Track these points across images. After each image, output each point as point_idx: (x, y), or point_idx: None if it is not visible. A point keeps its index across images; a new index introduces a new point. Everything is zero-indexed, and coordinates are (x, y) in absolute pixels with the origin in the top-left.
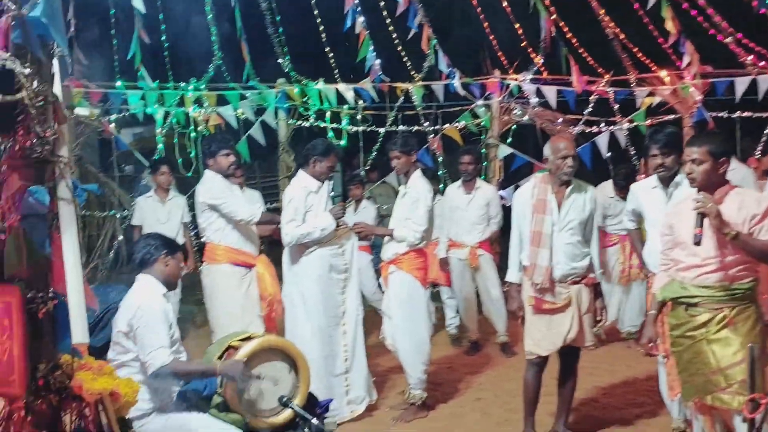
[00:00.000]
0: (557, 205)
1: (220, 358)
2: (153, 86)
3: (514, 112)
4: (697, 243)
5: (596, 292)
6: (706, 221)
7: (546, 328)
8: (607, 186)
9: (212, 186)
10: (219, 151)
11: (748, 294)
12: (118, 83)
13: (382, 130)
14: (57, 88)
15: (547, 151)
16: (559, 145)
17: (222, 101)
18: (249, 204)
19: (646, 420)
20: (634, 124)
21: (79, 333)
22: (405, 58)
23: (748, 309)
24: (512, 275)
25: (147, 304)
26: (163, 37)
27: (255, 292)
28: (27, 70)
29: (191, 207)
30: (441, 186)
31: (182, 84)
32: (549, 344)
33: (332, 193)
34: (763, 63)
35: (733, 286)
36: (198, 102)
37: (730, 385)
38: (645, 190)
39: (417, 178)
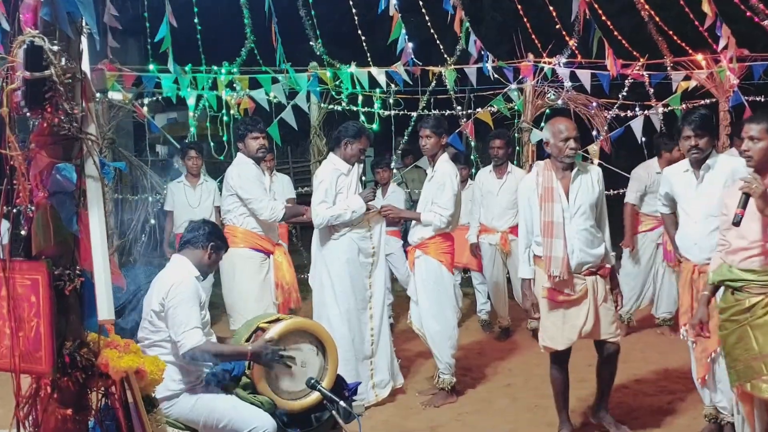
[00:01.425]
0: (564, 191)
1: (248, 340)
2: (185, 70)
3: (548, 96)
4: (736, 223)
5: (613, 280)
6: (751, 202)
7: (561, 321)
8: (653, 163)
9: (244, 174)
10: (248, 133)
11: None
12: (151, 67)
13: (414, 114)
14: (85, 66)
15: (546, 134)
16: (560, 127)
17: (254, 85)
18: (279, 189)
19: (678, 406)
20: (670, 108)
21: (105, 310)
22: (437, 42)
23: None
24: (524, 270)
25: (180, 283)
26: (196, 20)
27: (271, 278)
28: (55, 47)
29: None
30: (473, 171)
31: (215, 67)
32: (564, 339)
33: (363, 177)
34: None
35: None
36: (230, 85)
37: None
38: (677, 173)
39: (444, 161)
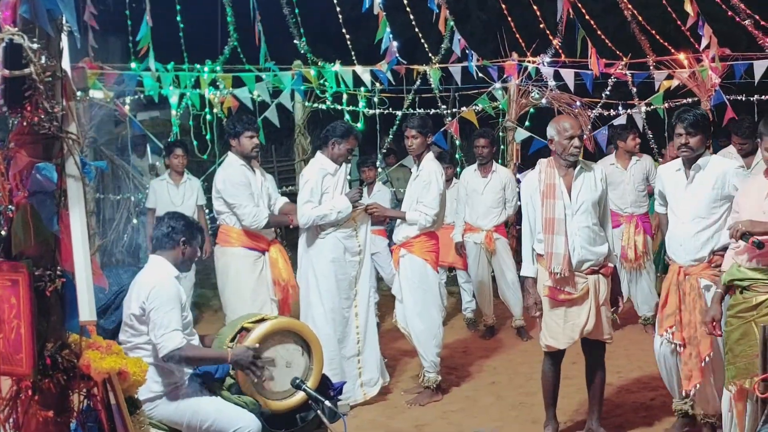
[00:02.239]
0: (567, 188)
1: (232, 340)
2: (167, 68)
3: (532, 95)
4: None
5: (614, 279)
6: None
7: (563, 320)
8: (611, 156)
9: (230, 179)
10: (244, 132)
11: None
12: (133, 65)
13: (399, 112)
14: (66, 64)
15: (551, 131)
16: (565, 125)
17: (238, 83)
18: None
19: (661, 403)
20: (652, 107)
21: (87, 311)
22: (422, 40)
23: None
24: (526, 269)
25: (160, 286)
26: (179, 18)
27: (268, 276)
28: (35, 45)
29: (207, 189)
30: (458, 169)
31: (198, 66)
32: (566, 338)
33: (349, 177)
34: None
35: None
36: (213, 84)
37: None
38: (669, 172)
39: (429, 160)
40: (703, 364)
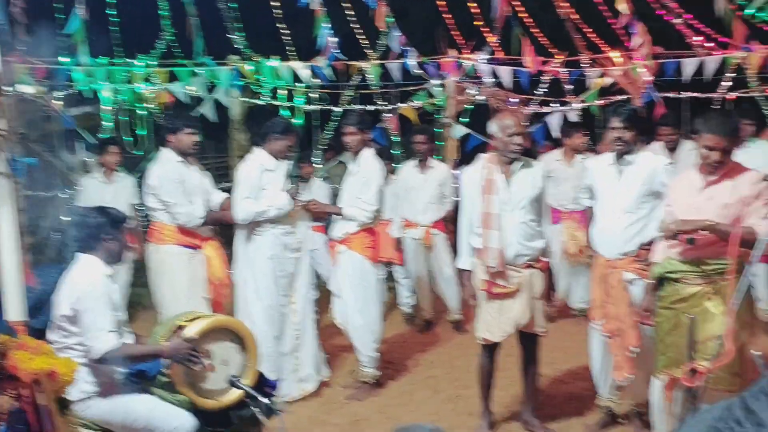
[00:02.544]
0: (506, 184)
1: (167, 338)
2: (100, 63)
3: (469, 91)
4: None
5: (549, 276)
6: (686, 196)
7: (498, 313)
8: (557, 152)
9: (164, 176)
10: (183, 128)
11: (732, 269)
12: (64, 59)
13: (337, 109)
14: None
15: (494, 128)
16: (507, 122)
17: (172, 78)
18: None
19: (591, 394)
20: (586, 104)
21: (14, 311)
22: (361, 37)
23: (730, 286)
24: (463, 262)
25: (90, 287)
26: (112, 12)
27: (202, 274)
28: None
29: (141, 187)
30: (396, 165)
31: (131, 60)
32: (501, 330)
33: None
34: (710, 44)
35: (713, 263)
36: (147, 79)
37: (704, 359)
38: (600, 166)
39: (368, 156)
40: (630, 356)
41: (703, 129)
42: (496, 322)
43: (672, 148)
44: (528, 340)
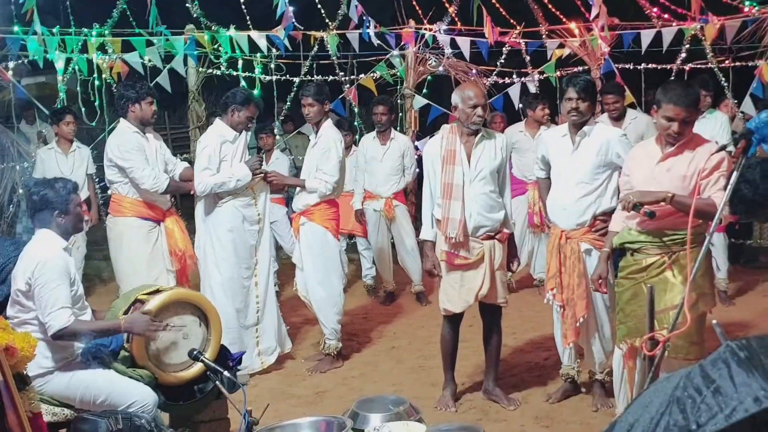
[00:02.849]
0: (467, 155)
1: (126, 312)
2: (53, 32)
3: (429, 62)
4: (651, 216)
5: (510, 244)
6: (644, 170)
7: (459, 284)
8: (520, 124)
9: (124, 145)
10: (145, 98)
11: (690, 240)
12: (16, 28)
13: (296, 79)
14: None
15: (456, 98)
16: (469, 93)
17: (127, 47)
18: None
19: (554, 362)
20: (545, 75)
21: None
22: (319, 6)
23: (688, 256)
24: (426, 233)
25: (45, 261)
26: None
27: (163, 247)
28: None
29: (97, 158)
30: (357, 137)
31: (85, 29)
32: (462, 301)
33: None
34: (667, 15)
35: (672, 233)
36: (102, 48)
37: (663, 328)
38: (555, 137)
39: (328, 128)
40: (578, 324)
41: (663, 99)
42: (456, 293)
43: (617, 118)
44: (489, 311)
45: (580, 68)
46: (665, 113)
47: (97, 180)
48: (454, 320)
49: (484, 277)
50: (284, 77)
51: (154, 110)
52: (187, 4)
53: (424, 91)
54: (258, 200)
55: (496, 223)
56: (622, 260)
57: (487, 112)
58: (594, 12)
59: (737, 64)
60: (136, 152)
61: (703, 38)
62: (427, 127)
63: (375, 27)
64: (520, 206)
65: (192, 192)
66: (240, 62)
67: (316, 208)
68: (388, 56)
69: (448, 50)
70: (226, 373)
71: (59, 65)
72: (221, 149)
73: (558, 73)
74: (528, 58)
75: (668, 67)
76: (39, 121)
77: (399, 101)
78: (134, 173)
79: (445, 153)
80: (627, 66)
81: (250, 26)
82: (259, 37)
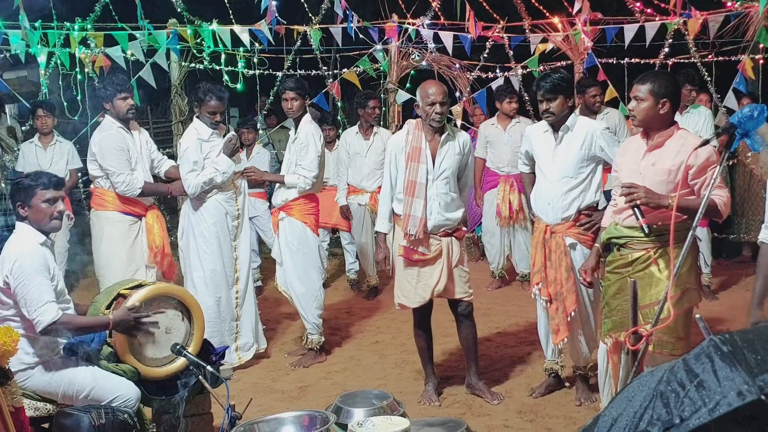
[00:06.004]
0: (432, 153)
1: (108, 307)
2: (35, 26)
3: (412, 57)
4: (647, 234)
5: (479, 241)
6: (635, 164)
7: (415, 280)
8: (494, 118)
9: (106, 144)
10: (116, 94)
11: (676, 235)
12: None
13: (279, 73)
14: None
15: (417, 96)
16: (428, 91)
17: (110, 42)
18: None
19: (537, 356)
20: (528, 69)
21: None
22: (302, 0)
23: (675, 251)
24: (381, 225)
25: (23, 258)
26: None
27: (143, 242)
28: None
29: (80, 152)
30: (340, 131)
31: (67, 23)
32: (417, 297)
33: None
34: (650, 10)
35: (657, 228)
36: (84, 42)
37: (648, 323)
38: (538, 132)
39: (306, 122)
40: (569, 319)
41: (635, 81)
42: (412, 288)
43: (595, 112)
44: (457, 306)
45: (563, 63)
46: (633, 92)
47: (80, 173)
48: (421, 316)
49: (441, 274)
50: (267, 71)
51: (130, 105)
52: None
53: (408, 85)
54: (238, 195)
55: (454, 221)
56: (610, 255)
57: (472, 109)
58: (577, 6)
59: (720, 58)
60: (116, 153)
61: (687, 33)
62: None
63: (358, 21)
64: (493, 199)
65: (169, 194)
66: (223, 56)
67: (295, 203)
68: (371, 50)
69: (431, 45)
70: (209, 367)
71: (41, 59)
72: (201, 149)
73: (541, 67)
74: (511, 52)
75: (651, 61)
76: (9, 117)
77: (382, 96)
78: (111, 177)
79: (410, 149)
80: (610, 60)
81: (233, 20)
82: (242, 32)
